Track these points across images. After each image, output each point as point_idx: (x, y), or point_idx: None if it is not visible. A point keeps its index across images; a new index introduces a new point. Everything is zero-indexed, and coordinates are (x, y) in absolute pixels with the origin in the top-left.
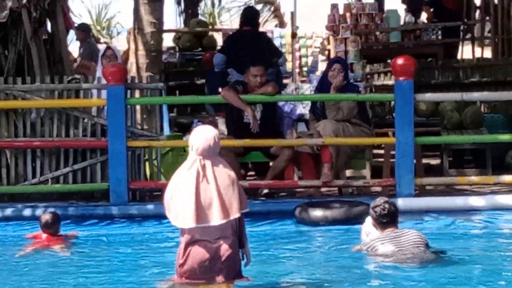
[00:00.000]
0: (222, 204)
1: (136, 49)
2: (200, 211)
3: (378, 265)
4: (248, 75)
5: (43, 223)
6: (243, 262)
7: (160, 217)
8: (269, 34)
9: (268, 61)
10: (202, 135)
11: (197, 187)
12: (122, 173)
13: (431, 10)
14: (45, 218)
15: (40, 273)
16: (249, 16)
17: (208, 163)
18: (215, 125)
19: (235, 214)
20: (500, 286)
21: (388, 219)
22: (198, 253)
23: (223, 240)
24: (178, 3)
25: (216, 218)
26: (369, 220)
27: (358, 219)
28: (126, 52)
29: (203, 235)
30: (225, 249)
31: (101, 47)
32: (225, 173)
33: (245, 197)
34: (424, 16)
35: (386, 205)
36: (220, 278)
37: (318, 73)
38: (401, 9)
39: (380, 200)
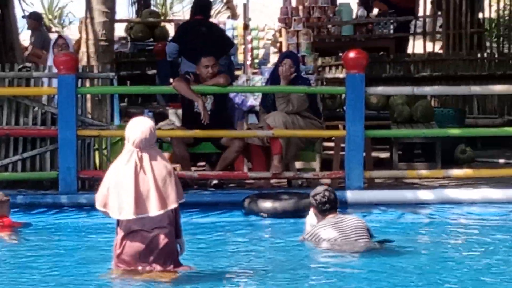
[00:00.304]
0: (160, 195)
1: (88, 39)
2: (139, 203)
3: (323, 254)
4: (199, 66)
5: None
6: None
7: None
8: (221, 26)
9: (220, 51)
10: (137, 128)
11: (136, 179)
12: (72, 162)
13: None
14: None
15: None
16: (201, 5)
17: (145, 155)
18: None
19: (172, 205)
20: (444, 275)
21: (329, 206)
22: (135, 242)
23: (160, 230)
24: None
25: (154, 209)
26: (312, 212)
27: (307, 211)
28: (78, 41)
29: (140, 225)
30: (161, 238)
31: (53, 36)
32: (162, 165)
33: (181, 188)
34: (376, 10)
35: (326, 193)
36: (157, 267)
37: (270, 65)
38: (354, 2)
39: (319, 188)
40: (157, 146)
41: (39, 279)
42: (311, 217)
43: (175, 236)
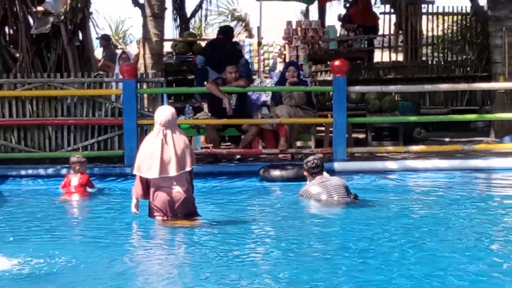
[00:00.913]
0: (178, 161)
1: (144, 53)
2: (163, 166)
3: (313, 206)
4: (225, 72)
5: (74, 162)
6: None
7: None
8: (241, 43)
9: (235, 61)
10: (163, 113)
11: (162, 149)
12: (134, 143)
13: (355, 25)
14: (75, 158)
15: (74, 213)
16: (223, 29)
17: (169, 132)
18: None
19: (187, 168)
20: (404, 221)
21: (317, 170)
22: (162, 195)
23: (179, 187)
24: (175, 20)
25: (173, 171)
26: (304, 186)
27: (304, 178)
28: (137, 56)
29: (165, 183)
30: (181, 193)
31: (118, 51)
32: (181, 139)
33: (194, 157)
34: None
35: (315, 160)
36: (181, 215)
37: (277, 71)
38: (338, 25)
39: (310, 157)
40: (195, 131)
41: (113, 219)
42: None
43: (191, 192)
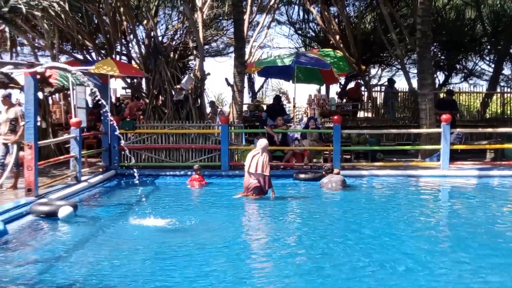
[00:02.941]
0: (260, 167)
1: (232, 111)
2: (251, 167)
3: (326, 192)
4: (276, 120)
5: (195, 168)
6: (271, 195)
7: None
8: (285, 105)
9: (282, 114)
10: (262, 142)
11: (254, 160)
12: (226, 159)
13: (347, 97)
14: (196, 166)
15: (196, 195)
16: (275, 97)
17: (260, 152)
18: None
19: (264, 173)
20: (373, 203)
21: (329, 171)
22: (245, 181)
23: (256, 180)
24: (249, 92)
25: (253, 169)
26: (324, 178)
27: (318, 179)
28: (228, 112)
29: (252, 176)
30: (254, 183)
31: (219, 110)
32: (265, 158)
33: (269, 169)
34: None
35: (328, 165)
36: (252, 194)
37: (303, 121)
38: (336, 97)
39: (326, 165)
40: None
41: (218, 197)
42: (323, 179)
43: (263, 185)
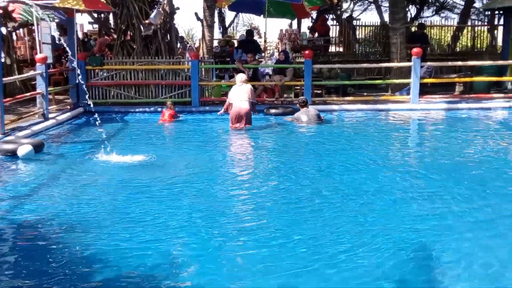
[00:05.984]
0: (250, 94)
1: (202, 46)
2: (237, 99)
3: (299, 126)
4: (247, 56)
5: (168, 105)
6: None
7: (212, 111)
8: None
9: (256, 51)
10: (242, 76)
11: (238, 92)
12: (197, 94)
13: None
14: (169, 102)
15: (167, 131)
16: (248, 32)
17: (242, 84)
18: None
19: (250, 99)
20: (344, 135)
21: (303, 104)
22: (235, 111)
23: (245, 106)
24: (220, 28)
25: (244, 97)
26: (296, 113)
27: (289, 114)
28: (198, 48)
29: (237, 105)
30: (245, 109)
31: (188, 45)
32: (248, 87)
33: (254, 95)
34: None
35: (303, 98)
36: (242, 124)
37: (274, 56)
38: (307, 31)
39: (301, 97)
40: (230, 88)
41: (191, 132)
42: (295, 115)
43: (251, 109)
